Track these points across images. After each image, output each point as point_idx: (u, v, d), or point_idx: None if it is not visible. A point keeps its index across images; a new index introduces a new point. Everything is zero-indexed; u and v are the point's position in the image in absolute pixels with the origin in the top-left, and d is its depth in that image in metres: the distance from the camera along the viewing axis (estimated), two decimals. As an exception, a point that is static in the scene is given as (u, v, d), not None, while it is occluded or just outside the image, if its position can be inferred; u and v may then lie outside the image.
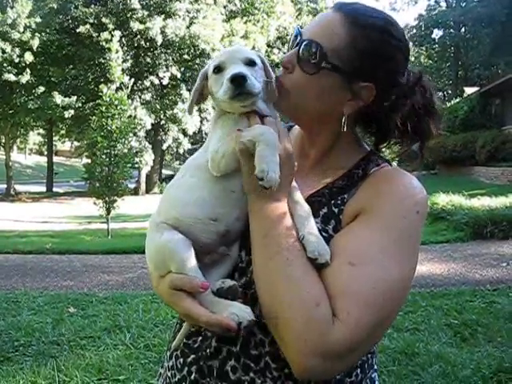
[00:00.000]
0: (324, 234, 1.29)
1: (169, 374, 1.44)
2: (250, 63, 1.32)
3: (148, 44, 32.89)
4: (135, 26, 31.42)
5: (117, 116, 16.35)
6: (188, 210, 1.32)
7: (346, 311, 1.15)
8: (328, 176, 1.44)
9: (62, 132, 45.52)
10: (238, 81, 1.24)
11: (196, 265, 1.27)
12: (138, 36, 32.57)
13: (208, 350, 1.34)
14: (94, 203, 16.44)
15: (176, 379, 1.40)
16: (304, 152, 1.49)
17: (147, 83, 33.15)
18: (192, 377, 1.35)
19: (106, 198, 16.19)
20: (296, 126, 1.57)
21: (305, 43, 1.36)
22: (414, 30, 60.91)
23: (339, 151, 1.47)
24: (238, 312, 1.19)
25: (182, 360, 1.40)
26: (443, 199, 15.05)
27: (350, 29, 1.34)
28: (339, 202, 1.36)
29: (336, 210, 1.35)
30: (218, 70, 1.32)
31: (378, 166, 1.42)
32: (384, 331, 1.29)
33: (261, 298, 1.23)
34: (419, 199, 1.32)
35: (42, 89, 32.43)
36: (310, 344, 1.13)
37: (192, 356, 1.37)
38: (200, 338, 1.37)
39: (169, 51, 33.27)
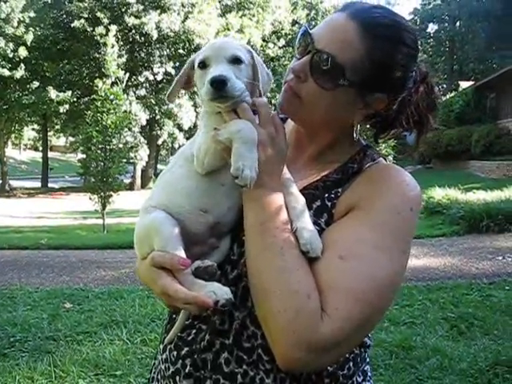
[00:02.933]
0: (316, 227, 1.29)
1: (162, 367, 1.44)
2: (236, 61, 1.27)
3: (143, 39, 32.78)
4: (130, 20, 31.29)
5: (112, 111, 16.29)
6: (177, 198, 1.33)
7: (335, 306, 1.16)
8: (323, 169, 1.43)
9: (57, 127, 45.41)
10: (218, 84, 1.22)
11: (179, 243, 1.27)
12: (133, 31, 32.45)
13: (202, 344, 1.34)
14: (90, 198, 16.39)
15: (170, 372, 1.40)
16: (300, 145, 1.48)
17: (142, 78, 33.08)
18: (186, 370, 1.35)
19: (102, 193, 16.13)
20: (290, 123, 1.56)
21: (320, 56, 1.32)
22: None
23: (336, 146, 1.47)
24: (216, 290, 1.20)
25: (175, 353, 1.39)
26: (439, 193, 15.11)
27: (366, 40, 1.31)
28: (333, 195, 1.36)
29: (329, 204, 1.35)
30: (203, 65, 1.29)
31: (374, 160, 1.41)
32: (373, 326, 1.29)
33: (252, 287, 1.24)
34: (413, 196, 1.32)
35: (36, 84, 32.32)
36: (296, 336, 1.14)
37: (186, 349, 1.37)
38: (194, 331, 1.37)
39: (163, 46, 33.18)
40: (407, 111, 1.41)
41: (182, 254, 1.26)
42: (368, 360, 1.50)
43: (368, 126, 1.57)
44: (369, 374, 1.49)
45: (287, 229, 1.23)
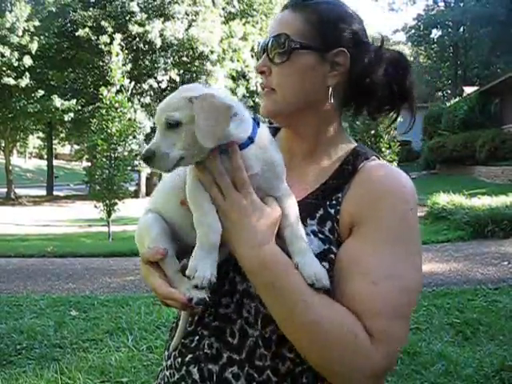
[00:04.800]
0: (320, 235, 1.31)
1: (167, 374, 1.45)
2: (171, 126, 1.21)
3: (147, 47, 32.86)
4: (134, 29, 31.39)
5: (117, 119, 16.33)
6: (169, 211, 1.36)
7: (381, 330, 1.21)
8: (320, 175, 1.44)
9: (62, 135, 45.53)
10: (147, 162, 1.21)
11: (161, 237, 1.32)
12: (137, 39, 32.55)
13: (209, 351, 1.35)
14: (95, 206, 16.43)
15: (175, 378, 1.40)
16: (292, 151, 1.49)
17: (146, 86, 33.14)
18: (193, 377, 1.36)
19: (107, 201, 16.17)
20: (282, 129, 1.58)
21: (268, 42, 1.42)
22: (413, 30, 61.10)
23: (327, 144, 1.48)
24: (191, 288, 1.21)
25: (180, 360, 1.41)
26: (444, 199, 15.09)
27: (300, 13, 1.41)
28: (334, 202, 1.37)
29: (332, 211, 1.36)
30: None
31: (367, 159, 1.42)
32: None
33: (300, 349, 1.25)
34: (409, 196, 1.34)
35: (41, 92, 32.38)
36: (361, 372, 1.20)
37: (189, 355, 1.38)
38: (197, 338, 1.38)
39: (167, 54, 33.25)
40: (378, 71, 1.44)
41: (162, 244, 1.30)
42: None
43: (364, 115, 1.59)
44: None
45: (297, 277, 1.23)
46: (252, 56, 32.49)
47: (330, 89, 1.42)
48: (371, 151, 1.49)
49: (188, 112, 1.21)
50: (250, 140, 1.28)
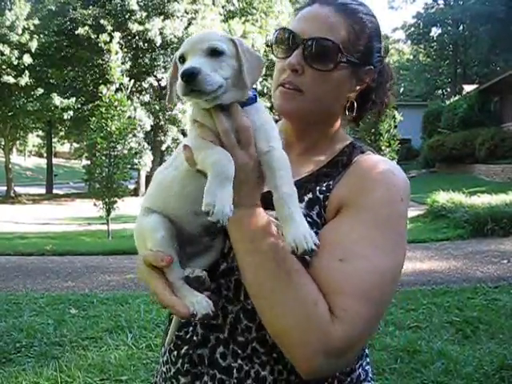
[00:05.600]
0: (308, 219, 1.29)
1: (164, 369, 1.45)
2: (214, 53, 1.19)
3: (146, 45, 32.87)
4: (134, 27, 31.39)
5: (116, 117, 16.32)
6: (171, 202, 1.32)
7: (343, 308, 1.17)
8: (313, 163, 1.45)
9: (62, 133, 45.50)
10: (187, 77, 1.14)
11: (166, 241, 1.28)
12: (137, 37, 32.55)
13: (195, 338, 1.36)
14: (94, 204, 16.41)
15: (171, 373, 1.41)
16: (290, 145, 1.47)
17: (146, 84, 33.16)
18: (185, 367, 1.37)
19: (106, 199, 16.15)
20: (281, 122, 1.57)
21: (312, 42, 1.36)
22: (413, 29, 61.08)
23: (326, 141, 1.49)
24: (196, 303, 1.20)
25: (175, 353, 1.41)
26: (443, 197, 15.09)
27: (344, 19, 1.38)
28: (324, 188, 1.37)
29: (321, 196, 1.35)
30: (182, 60, 1.23)
31: (363, 153, 1.43)
32: (380, 320, 1.30)
33: (258, 307, 1.24)
34: (401, 186, 1.34)
35: (40, 90, 32.38)
36: (312, 345, 1.15)
37: (185, 347, 1.38)
38: (191, 328, 1.39)
39: (167, 52, 33.24)
40: (384, 84, 1.48)
41: (168, 251, 1.27)
42: (368, 360, 1.51)
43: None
44: (370, 374, 1.49)
45: (277, 242, 1.22)
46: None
47: (349, 102, 1.45)
48: (367, 147, 1.50)
49: (230, 47, 1.21)
50: (255, 97, 1.28)
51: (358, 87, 1.44)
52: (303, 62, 1.37)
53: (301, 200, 1.32)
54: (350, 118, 1.53)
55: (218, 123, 1.22)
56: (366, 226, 1.26)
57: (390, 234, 1.27)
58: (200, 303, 1.20)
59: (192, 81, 1.14)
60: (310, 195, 1.37)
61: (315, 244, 1.14)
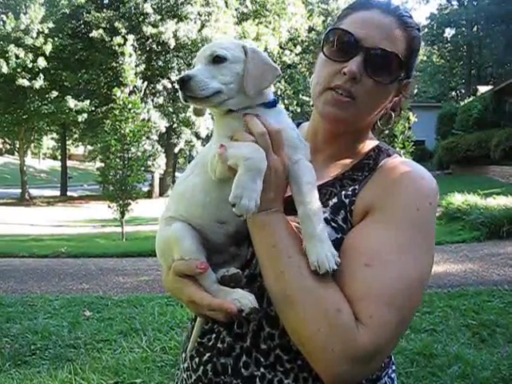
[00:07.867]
0: (333, 224, 1.28)
1: (184, 376, 1.44)
2: (216, 60, 1.24)
3: (160, 48, 32.99)
4: (148, 30, 31.52)
5: (130, 119, 16.38)
6: (194, 211, 1.32)
7: (369, 314, 1.15)
8: (339, 166, 1.43)
9: (76, 136, 45.75)
10: (181, 84, 1.20)
11: (196, 248, 1.28)
12: (151, 40, 32.69)
13: (221, 346, 1.34)
14: (108, 206, 16.48)
15: (192, 380, 1.39)
16: (317, 148, 1.46)
17: (159, 87, 33.27)
18: (208, 376, 1.35)
19: (120, 202, 16.21)
20: (304, 123, 1.56)
21: (377, 53, 1.33)
22: (426, 30, 60.69)
23: (353, 145, 1.47)
24: (240, 298, 1.20)
25: (197, 360, 1.39)
26: (458, 199, 14.97)
27: (406, 32, 1.37)
28: (350, 192, 1.34)
29: (347, 201, 1.33)
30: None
31: (389, 156, 1.41)
32: (407, 326, 1.28)
33: (280, 313, 1.22)
34: (430, 190, 1.31)
35: (55, 93, 32.58)
36: (336, 352, 1.13)
37: (207, 354, 1.37)
38: (214, 336, 1.37)
39: (180, 54, 33.36)
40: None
41: (201, 258, 1.27)
42: (394, 368, 1.49)
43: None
44: (395, 382, 1.47)
45: (300, 247, 1.21)
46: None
47: (392, 114, 1.47)
48: (394, 149, 1.48)
49: (236, 54, 1.25)
50: (275, 102, 1.30)
51: (396, 98, 1.44)
52: (362, 70, 1.33)
53: (326, 205, 1.32)
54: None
55: (254, 126, 1.23)
56: (393, 231, 1.24)
57: (417, 239, 1.24)
58: (244, 298, 1.20)
59: (185, 87, 1.20)
60: (334, 200, 1.34)
61: (336, 263, 1.16)
